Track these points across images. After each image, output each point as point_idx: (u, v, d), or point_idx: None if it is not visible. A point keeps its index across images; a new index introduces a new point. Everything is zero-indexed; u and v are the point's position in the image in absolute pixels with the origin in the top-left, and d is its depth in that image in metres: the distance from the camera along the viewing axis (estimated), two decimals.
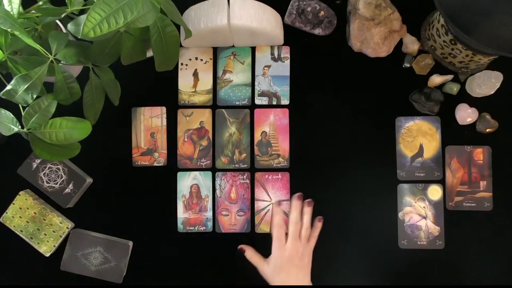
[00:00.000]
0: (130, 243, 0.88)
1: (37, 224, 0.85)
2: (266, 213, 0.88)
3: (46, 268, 0.87)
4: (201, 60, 0.91)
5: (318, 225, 0.84)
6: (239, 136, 0.90)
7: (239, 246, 0.83)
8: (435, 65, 0.89)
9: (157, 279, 0.88)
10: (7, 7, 0.60)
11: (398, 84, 0.89)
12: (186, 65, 0.91)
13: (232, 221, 0.89)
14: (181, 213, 0.89)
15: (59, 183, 0.86)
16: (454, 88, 0.88)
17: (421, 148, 0.89)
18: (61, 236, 0.86)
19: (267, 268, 0.80)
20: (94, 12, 0.56)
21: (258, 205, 0.89)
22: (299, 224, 0.82)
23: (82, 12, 0.66)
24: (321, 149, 0.89)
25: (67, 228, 0.86)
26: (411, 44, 0.88)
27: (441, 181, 0.88)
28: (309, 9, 0.89)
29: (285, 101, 0.90)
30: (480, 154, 0.88)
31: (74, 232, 0.87)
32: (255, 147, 0.90)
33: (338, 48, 0.90)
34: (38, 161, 0.86)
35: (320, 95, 0.90)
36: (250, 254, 0.82)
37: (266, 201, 0.89)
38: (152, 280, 0.88)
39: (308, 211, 0.84)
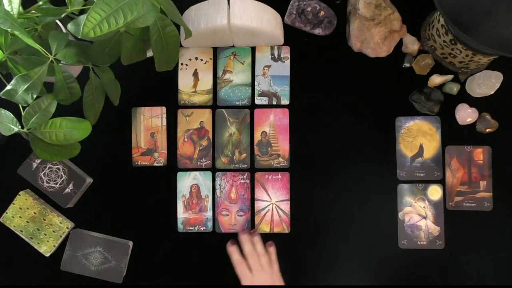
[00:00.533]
0: (130, 243, 0.88)
1: (37, 224, 0.85)
2: (266, 213, 0.88)
3: (46, 268, 0.87)
4: (201, 60, 0.91)
5: (271, 249, 0.83)
6: (239, 136, 0.90)
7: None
8: (435, 65, 0.89)
9: (157, 279, 0.88)
10: (7, 7, 0.60)
11: (398, 84, 0.89)
12: (186, 65, 0.91)
13: (232, 221, 0.89)
14: (181, 213, 0.89)
15: (59, 183, 0.86)
16: (454, 88, 0.88)
17: (421, 148, 0.89)
18: (61, 236, 0.86)
19: None
20: (94, 12, 0.56)
21: (258, 205, 0.89)
22: (255, 254, 0.82)
23: (82, 12, 0.66)
24: (321, 149, 0.89)
25: (67, 228, 0.86)
26: (411, 44, 0.88)
27: (441, 181, 0.88)
28: (309, 9, 0.89)
29: (285, 101, 0.90)
30: (480, 154, 0.88)
31: (74, 232, 0.87)
32: (255, 147, 0.89)
33: (338, 48, 0.90)
34: (38, 161, 0.86)
35: (320, 95, 0.90)
36: None
37: (266, 201, 0.89)
38: (152, 280, 0.88)
39: (256, 240, 0.83)
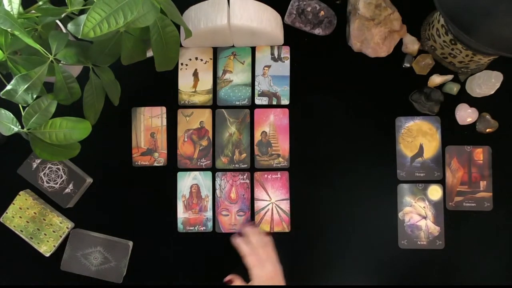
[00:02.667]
0: (130, 243, 0.88)
1: (37, 224, 0.85)
2: (266, 212, 0.88)
3: (46, 268, 0.87)
4: (201, 60, 0.91)
5: (267, 239, 0.84)
6: (239, 136, 0.90)
7: (225, 279, 0.82)
8: (435, 65, 0.89)
9: (157, 279, 0.88)
10: (7, 7, 0.60)
11: (398, 84, 0.89)
12: (186, 65, 0.91)
13: (232, 221, 0.89)
14: (181, 213, 0.89)
15: (59, 183, 0.86)
16: (454, 88, 0.88)
17: (421, 148, 0.89)
18: (61, 236, 0.86)
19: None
20: (94, 12, 0.56)
21: (258, 205, 0.89)
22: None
23: (82, 12, 0.66)
24: (321, 149, 0.89)
25: (67, 228, 0.86)
26: (411, 44, 0.88)
27: (441, 181, 0.88)
28: (309, 9, 0.89)
29: (285, 101, 0.90)
30: (480, 154, 0.88)
31: (74, 232, 0.87)
32: (255, 147, 0.89)
33: (338, 48, 0.90)
34: (38, 161, 0.86)
35: (320, 95, 0.90)
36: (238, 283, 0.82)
37: (266, 200, 0.89)
38: (152, 280, 0.88)
39: (257, 231, 0.85)
